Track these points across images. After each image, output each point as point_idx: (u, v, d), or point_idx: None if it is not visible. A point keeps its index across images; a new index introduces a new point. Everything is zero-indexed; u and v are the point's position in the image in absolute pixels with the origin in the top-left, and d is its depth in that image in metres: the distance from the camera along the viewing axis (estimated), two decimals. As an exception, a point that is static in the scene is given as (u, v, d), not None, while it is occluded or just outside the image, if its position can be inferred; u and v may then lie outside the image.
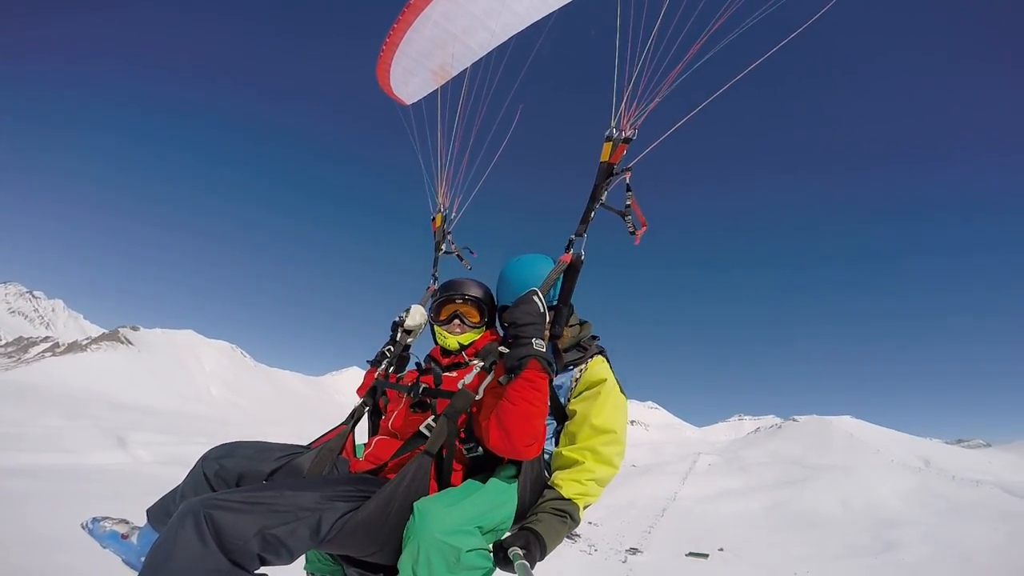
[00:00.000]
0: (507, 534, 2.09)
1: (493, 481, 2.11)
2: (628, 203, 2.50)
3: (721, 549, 66.81)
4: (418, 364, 2.58)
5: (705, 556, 63.35)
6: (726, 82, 2.46)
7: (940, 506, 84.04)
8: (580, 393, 2.40)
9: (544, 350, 2.09)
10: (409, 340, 2.70)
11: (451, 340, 2.47)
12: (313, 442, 2.40)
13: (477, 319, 2.50)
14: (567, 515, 2.14)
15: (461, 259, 3.33)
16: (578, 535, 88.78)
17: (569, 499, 2.17)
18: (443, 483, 2.07)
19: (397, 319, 2.73)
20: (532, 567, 1.88)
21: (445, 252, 3.39)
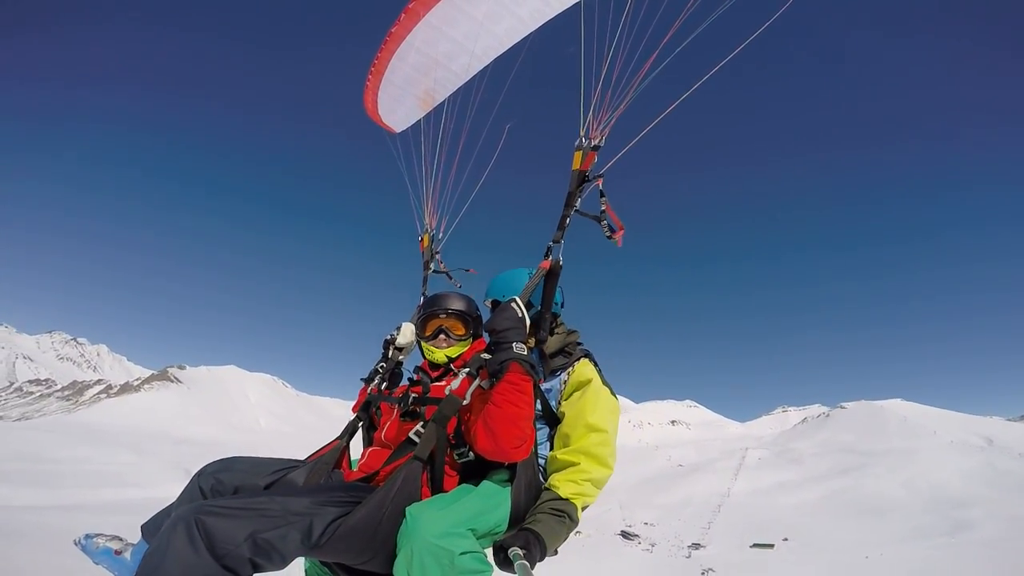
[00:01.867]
0: (503, 536, 2.13)
1: (485, 484, 2.14)
2: (603, 208, 2.60)
3: (786, 539, 67.28)
4: (410, 379, 2.64)
5: (771, 546, 64.14)
6: (696, 81, 2.58)
7: (1008, 483, 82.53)
8: (569, 395, 2.44)
9: (525, 353, 2.15)
10: (401, 357, 2.73)
11: (438, 354, 2.52)
12: (309, 457, 2.45)
13: (462, 331, 2.53)
14: (565, 515, 2.15)
15: (450, 278, 3.39)
16: (636, 535, 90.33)
17: (566, 499, 2.18)
18: (436, 489, 2.10)
19: (388, 337, 2.76)
20: (532, 567, 1.89)
21: (434, 271, 3.48)
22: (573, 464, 2.24)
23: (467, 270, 3.41)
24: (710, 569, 55.30)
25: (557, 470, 2.28)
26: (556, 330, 2.70)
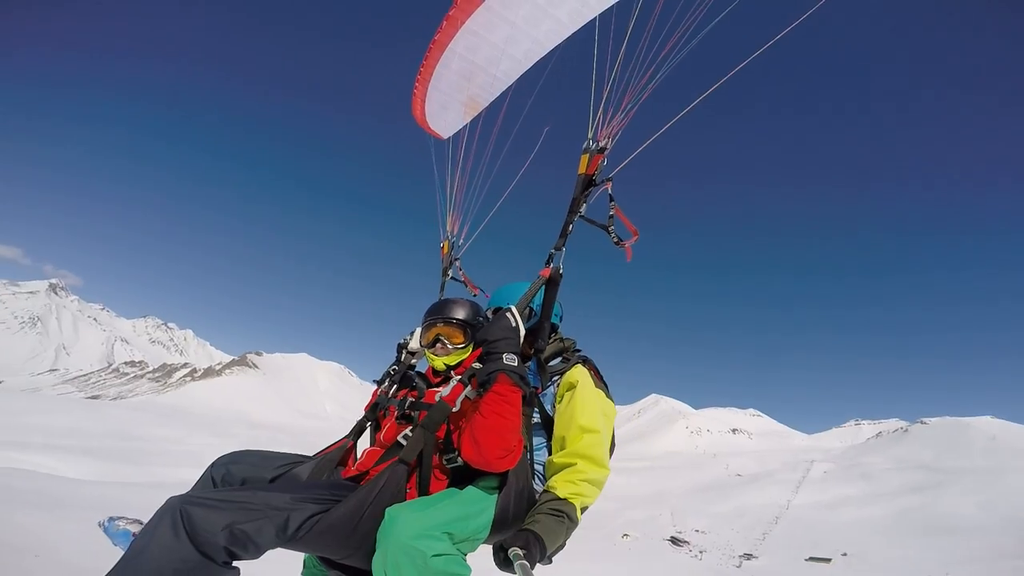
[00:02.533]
0: (487, 539, 2.14)
1: (470, 490, 2.13)
2: (611, 213, 2.51)
3: (844, 554, 63.87)
4: (412, 383, 2.67)
5: (827, 560, 61.18)
6: (708, 88, 2.50)
7: None
8: (560, 399, 2.45)
9: (515, 364, 2.12)
10: (413, 361, 2.75)
11: (437, 362, 2.54)
12: (318, 453, 2.53)
13: (460, 340, 2.52)
14: (564, 515, 2.15)
15: (467, 284, 3.40)
16: (686, 542, 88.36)
17: (564, 499, 2.19)
18: (423, 491, 2.12)
19: (401, 341, 2.79)
20: (532, 567, 1.90)
21: (452, 278, 3.50)
22: (569, 465, 2.25)
23: (481, 291, 3.39)
24: None
25: (554, 472, 2.30)
26: (552, 340, 2.70)
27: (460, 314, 2.55)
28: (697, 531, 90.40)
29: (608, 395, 2.52)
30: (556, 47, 3.22)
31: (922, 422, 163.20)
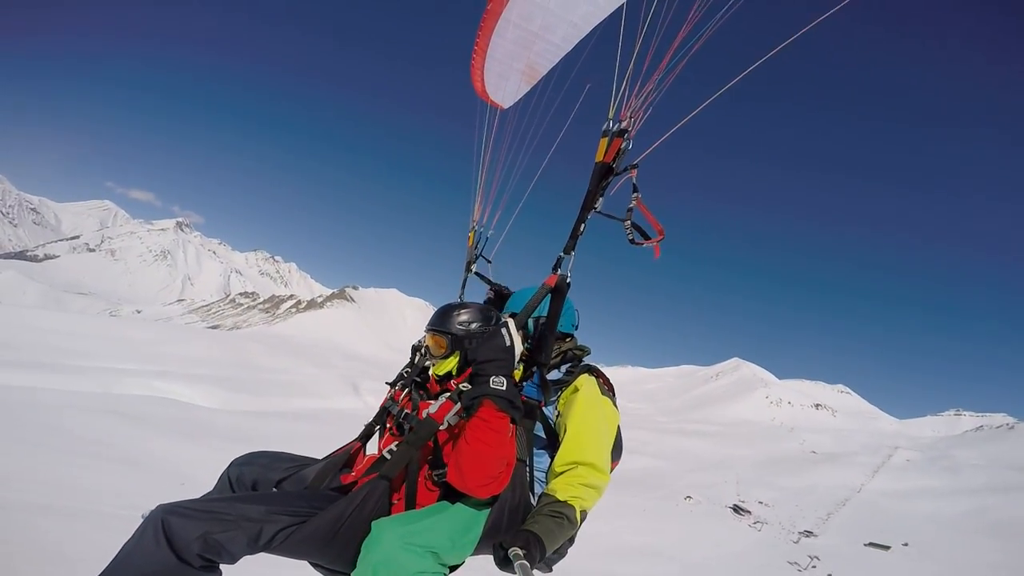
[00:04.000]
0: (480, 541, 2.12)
1: (460, 506, 2.10)
2: (631, 205, 2.20)
3: (905, 544, 64.50)
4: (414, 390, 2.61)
5: (886, 548, 62.38)
6: (753, 62, 2.08)
7: None
8: (563, 406, 2.41)
9: (503, 388, 2.05)
10: (427, 363, 2.60)
11: (432, 370, 2.51)
12: (326, 456, 2.56)
13: (442, 349, 2.44)
14: (564, 516, 2.14)
15: (487, 283, 3.25)
16: (748, 512, 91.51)
17: (564, 501, 2.17)
18: (410, 505, 2.12)
19: (416, 343, 2.70)
20: (532, 567, 1.90)
21: (475, 273, 3.35)
22: (569, 470, 2.23)
23: (505, 288, 3.15)
24: (816, 557, 56.94)
25: (555, 476, 2.28)
26: (562, 348, 2.61)
27: (446, 322, 2.46)
28: (760, 503, 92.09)
29: (613, 402, 2.48)
30: (614, 9, 2.78)
31: None
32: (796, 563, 54.72)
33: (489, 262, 3.40)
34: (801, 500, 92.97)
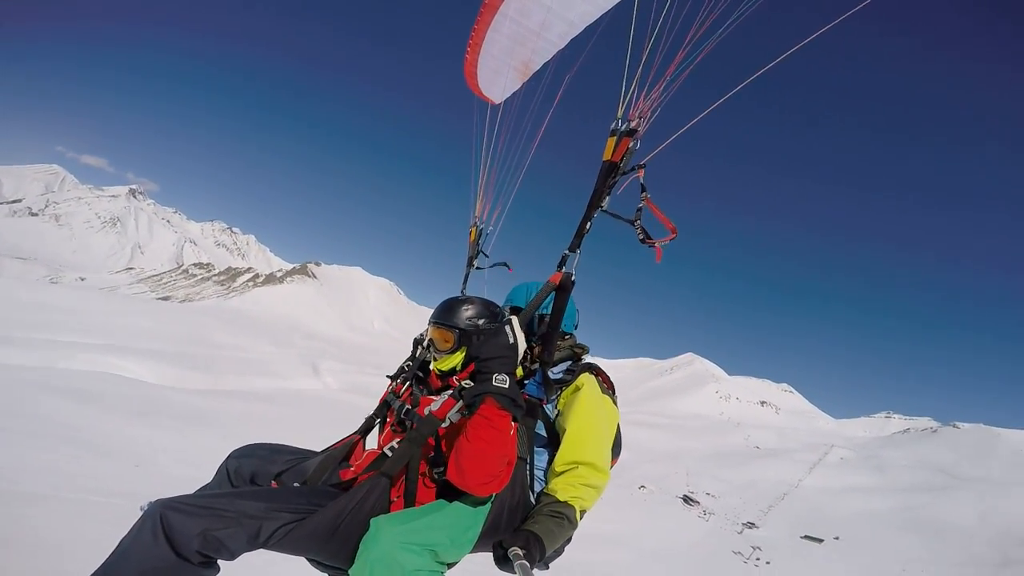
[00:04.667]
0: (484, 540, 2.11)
1: (459, 505, 2.08)
2: (640, 206, 2.17)
3: (837, 538, 69.54)
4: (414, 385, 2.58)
5: (819, 541, 67.05)
6: (765, 64, 2.09)
7: None
8: (564, 406, 2.40)
9: (506, 385, 2.02)
10: (430, 357, 2.54)
11: (434, 367, 2.47)
12: (326, 448, 2.50)
13: (448, 344, 2.40)
14: (563, 516, 2.15)
15: (504, 265, 3.25)
16: (697, 502, 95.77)
17: (564, 502, 2.18)
18: (409, 502, 2.10)
19: (418, 336, 2.64)
20: (532, 567, 1.89)
21: (477, 267, 3.35)
22: (570, 470, 2.23)
23: (505, 265, 3.23)
24: (758, 548, 60.57)
25: (555, 476, 2.27)
26: (564, 344, 2.62)
27: (453, 317, 2.41)
28: (708, 494, 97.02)
29: (614, 401, 2.47)
30: (611, 8, 2.83)
31: (954, 425, 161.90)
32: (740, 553, 58.06)
33: (487, 256, 3.41)
34: (744, 493, 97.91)
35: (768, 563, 55.00)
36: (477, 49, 3.46)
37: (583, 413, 2.32)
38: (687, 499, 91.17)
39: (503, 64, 3.48)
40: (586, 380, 2.42)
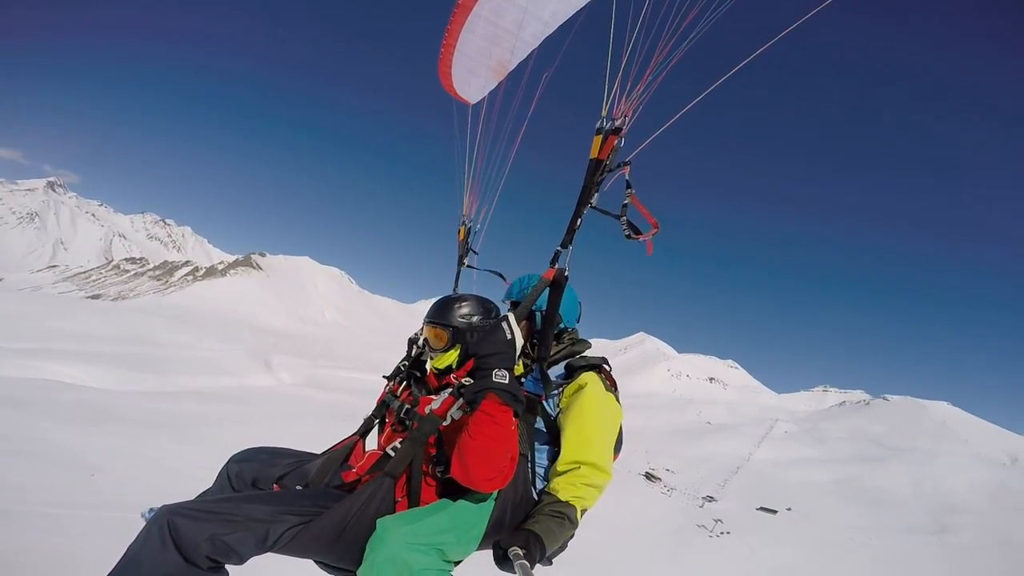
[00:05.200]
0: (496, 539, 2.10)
1: (464, 503, 2.08)
2: (626, 202, 2.24)
3: (789, 509, 74.30)
4: (413, 384, 2.58)
5: (774, 512, 71.57)
6: (738, 63, 2.16)
7: (1010, 503, 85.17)
8: (566, 404, 2.38)
9: (506, 381, 2.02)
10: (425, 356, 2.58)
11: (430, 366, 2.50)
12: (326, 450, 2.51)
13: (443, 342, 2.42)
14: (565, 517, 2.15)
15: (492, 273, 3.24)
16: (659, 478, 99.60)
17: (566, 502, 2.18)
18: (413, 502, 2.11)
19: (413, 336, 2.67)
20: (532, 567, 1.89)
21: (468, 266, 3.38)
22: (572, 469, 2.23)
23: (500, 275, 3.15)
24: (720, 520, 63.94)
25: (557, 475, 2.27)
26: (563, 344, 2.62)
27: (447, 315, 2.45)
28: (668, 470, 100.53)
29: (617, 400, 2.46)
30: (583, 8, 2.91)
31: (884, 398, 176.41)
32: (704, 526, 61.20)
33: (476, 254, 3.45)
34: (701, 468, 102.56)
35: (728, 534, 58.10)
36: (451, 50, 3.45)
37: (587, 412, 2.32)
38: (649, 476, 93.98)
39: (478, 64, 3.49)
40: (589, 379, 2.41)
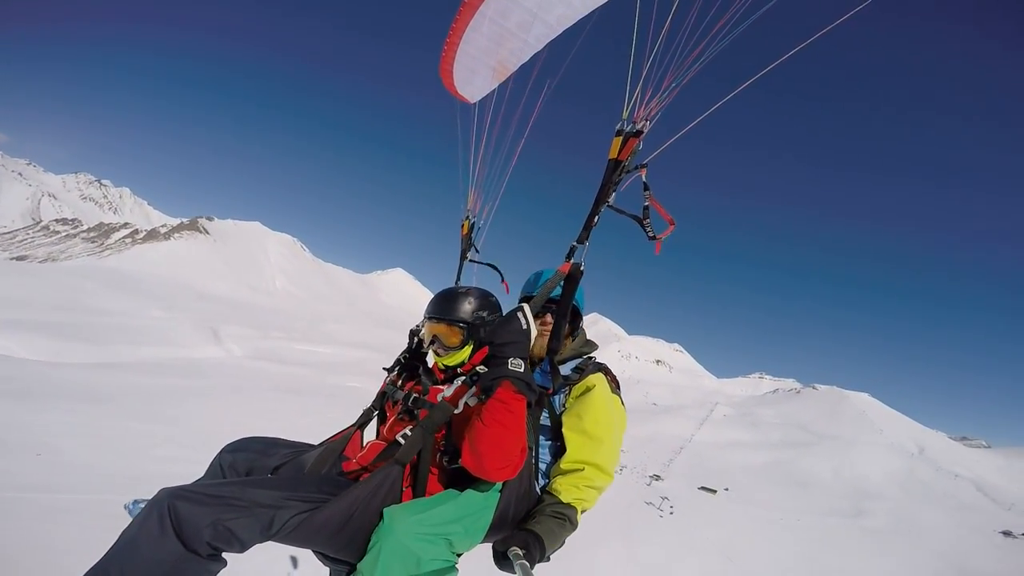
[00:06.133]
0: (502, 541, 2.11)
1: (470, 492, 2.09)
2: (646, 203, 2.29)
3: (727, 489, 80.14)
4: (418, 376, 2.59)
5: (714, 492, 76.98)
6: (762, 69, 2.16)
7: (916, 490, 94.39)
8: (572, 404, 2.40)
9: (521, 369, 2.02)
10: (425, 351, 2.58)
11: (438, 361, 2.46)
12: (324, 441, 2.49)
13: (456, 340, 2.38)
14: (566, 518, 2.17)
15: (492, 266, 3.29)
16: None
17: (568, 503, 2.20)
18: (420, 492, 2.09)
19: (414, 328, 2.68)
20: (532, 567, 1.89)
21: (470, 260, 3.37)
22: (576, 471, 2.25)
23: (499, 272, 3.20)
24: (666, 498, 68.13)
25: (560, 475, 2.28)
26: (575, 336, 2.66)
27: (459, 312, 2.39)
28: (621, 449, 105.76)
29: (622, 402, 2.50)
30: (592, 13, 2.92)
31: (813, 387, 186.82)
32: (652, 503, 65.12)
33: (478, 250, 3.44)
34: (647, 447, 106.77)
35: (672, 513, 62.69)
36: (454, 48, 3.43)
37: (596, 414, 2.36)
38: None
39: (480, 64, 3.48)
40: (597, 380, 2.45)
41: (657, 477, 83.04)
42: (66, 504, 5.61)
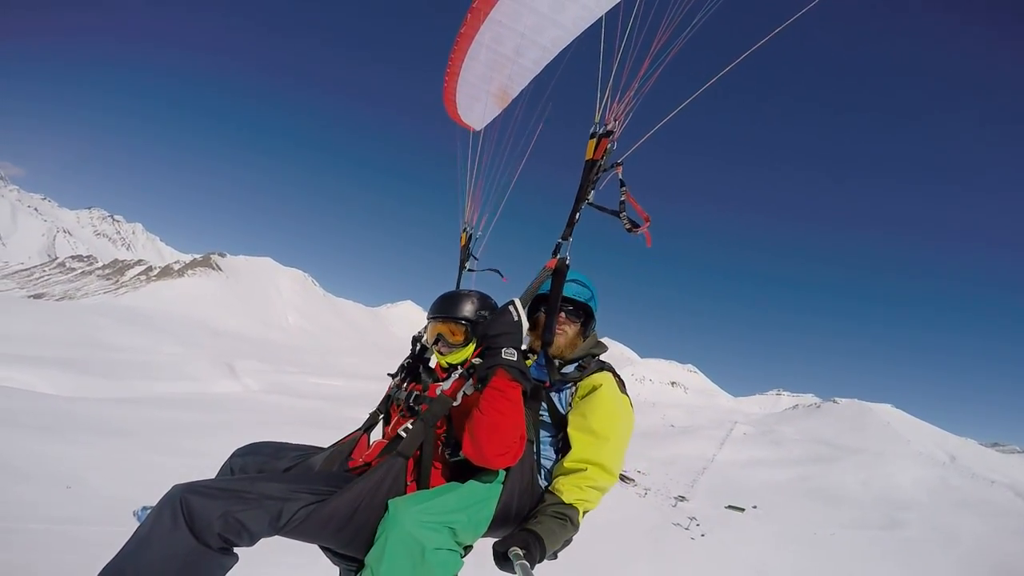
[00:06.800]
0: (500, 537, 2.12)
1: (473, 484, 2.12)
2: (622, 199, 2.42)
3: (755, 507, 78.70)
4: (418, 376, 2.64)
5: (742, 510, 75.56)
6: (721, 69, 2.34)
7: (949, 498, 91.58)
8: (578, 402, 2.41)
9: (515, 358, 2.09)
10: (427, 355, 2.68)
11: (441, 360, 2.54)
12: (332, 444, 2.52)
13: (460, 338, 2.48)
14: (567, 519, 2.17)
15: (496, 272, 3.38)
16: (633, 480, 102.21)
17: (570, 504, 2.20)
18: (422, 484, 2.14)
19: (417, 334, 2.76)
20: (532, 567, 1.89)
21: (469, 270, 3.47)
22: (579, 471, 2.25)
23: (499, 274, 3.29)
24: (693, 518, 66.87)
25: (563, 475, 2.28)
26: (588, 335, 2.70)
27: (462, 310, 2.50)
28: (639, 471, 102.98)
29: (631, 403, 2.50)
30: (582, 33, 3.01)
31: (833, 401, 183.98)
32: (679, 524, 63.88)
33: (476, 259, 3.54)
34: (669, 469, 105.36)
35: (703, 535, 61.32)
36: (455, 77, 3.53)
37: (602, 413, 2.36)
38: (623, 478, 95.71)
39: (481, 91, 3.56)
40: (604, 379, 2.46)
41: (682, 498, 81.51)
42: (97, 537, 5.63)
